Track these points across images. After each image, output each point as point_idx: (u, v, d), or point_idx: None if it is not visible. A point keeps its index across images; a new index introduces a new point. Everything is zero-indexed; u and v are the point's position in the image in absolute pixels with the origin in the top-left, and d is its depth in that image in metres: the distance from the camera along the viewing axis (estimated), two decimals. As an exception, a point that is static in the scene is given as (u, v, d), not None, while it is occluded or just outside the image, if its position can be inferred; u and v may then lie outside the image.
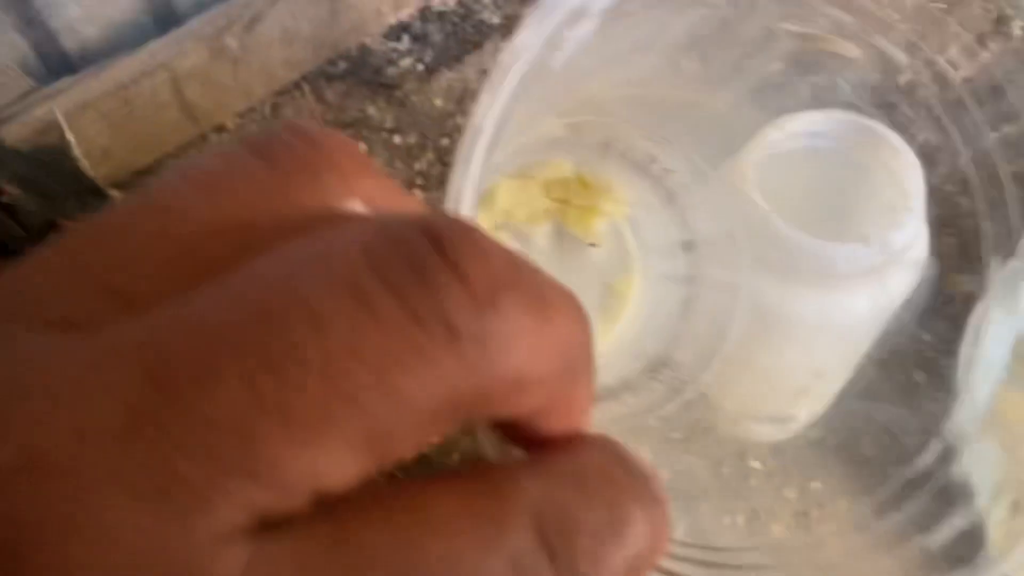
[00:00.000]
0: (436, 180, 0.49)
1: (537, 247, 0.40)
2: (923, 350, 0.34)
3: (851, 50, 0.27)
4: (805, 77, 0.31)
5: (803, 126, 0.35)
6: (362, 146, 0.50)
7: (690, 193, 0.40)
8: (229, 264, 0.12)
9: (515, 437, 0.14)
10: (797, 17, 0.26)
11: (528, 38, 0.15)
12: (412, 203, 0.14)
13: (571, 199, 0.40)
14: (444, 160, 0.49)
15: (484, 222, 0.39)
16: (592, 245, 0.41)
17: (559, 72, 0.18)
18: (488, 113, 0.15)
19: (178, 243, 0.12)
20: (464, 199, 0.14)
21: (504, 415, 0.12)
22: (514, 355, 0.11)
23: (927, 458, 0.31)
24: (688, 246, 0.40)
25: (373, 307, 0.11)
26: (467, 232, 0.12)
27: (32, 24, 0.45)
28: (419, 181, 0.49)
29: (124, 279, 0.12)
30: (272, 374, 0.10)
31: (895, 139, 0.33)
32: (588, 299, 0.42)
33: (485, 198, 0.39)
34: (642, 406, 0.36)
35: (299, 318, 0.11)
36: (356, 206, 0.13)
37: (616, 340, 0.39)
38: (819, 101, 0.34)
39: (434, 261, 0.11)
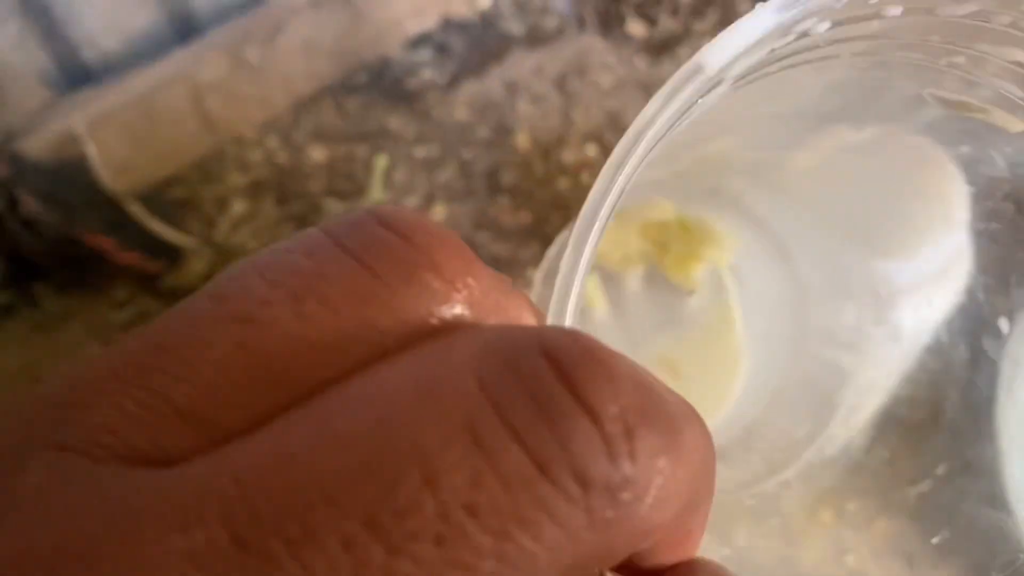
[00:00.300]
0: (458, 192, 0.49)
1: (629, 291, 0.37)
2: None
3: (1014, 124, 0.25)
4: (951, 147, 0.30)
5: (847, 139, 0.34)
6: (383, 158, 0.49)
7: (804, 248, 0.36)
8: (321, 386, 0.11)
9: (619, 567, 0.13)
10: (954, 85, 0.24)
11: (659, 110, 0.15)
12: (518, 302, 0.13)
13: (670, 243, 0.37)
14: (466, 172, 0.49)
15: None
16: (689, 293, 0.37)
17: (680, 135, 0.17)
18: (605, 201, 0.14)
19: (263, 361, 0.11)
20: (574, 287, 0.14)
21: (622, 558, 0.11)
22: (647, 503, 0.10)
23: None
24: (797, 303, 0.36)
25: (494, 455, 0.09)
26: (591, 354, 0.10)
27: (52, 35, 0.44)
28: (441, 194, 0.49)
29: (202, 404, 0.10)
30: (378, 538, 0.09)
31: (940, 155, 0.32)
32: (681, 351, 0.38)
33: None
34: (737, 482, 0.34)
35: (409, 468, 0.09)
36: (460, 311, 0.12)
37: (711, 400, 0.36)
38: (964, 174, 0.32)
39: (560, 396, 0.10)
